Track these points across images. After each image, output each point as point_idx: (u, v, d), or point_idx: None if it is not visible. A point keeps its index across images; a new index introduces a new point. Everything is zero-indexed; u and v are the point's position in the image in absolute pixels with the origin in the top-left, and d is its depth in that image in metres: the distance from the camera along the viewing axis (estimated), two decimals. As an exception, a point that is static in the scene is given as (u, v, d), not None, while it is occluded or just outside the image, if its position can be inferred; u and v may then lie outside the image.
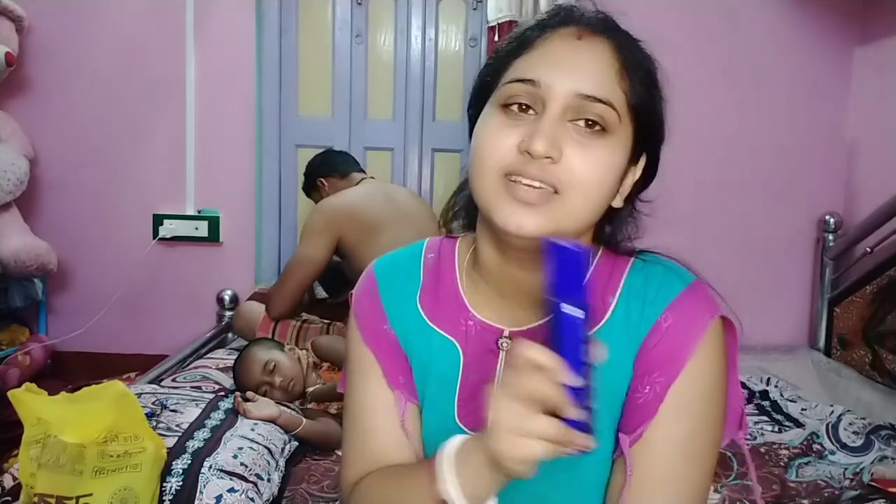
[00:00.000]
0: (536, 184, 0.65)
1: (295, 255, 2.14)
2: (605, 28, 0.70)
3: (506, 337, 0.74)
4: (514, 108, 0.67)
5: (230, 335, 2.41)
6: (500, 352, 0.74)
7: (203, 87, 2.55)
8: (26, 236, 2.35)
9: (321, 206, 2.17)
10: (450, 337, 0.76)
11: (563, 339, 0.56)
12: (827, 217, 2.54)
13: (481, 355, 0.75)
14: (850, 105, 2.60)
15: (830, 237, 2.53)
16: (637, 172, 0.73)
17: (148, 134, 2.57)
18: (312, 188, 2.37)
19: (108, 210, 2.58)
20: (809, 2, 2.56)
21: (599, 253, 0.76)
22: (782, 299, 2.66)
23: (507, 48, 0.71)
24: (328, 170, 2.33)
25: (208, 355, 2.14)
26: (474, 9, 2.66)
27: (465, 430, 0.74)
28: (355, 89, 2.67)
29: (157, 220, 2.56)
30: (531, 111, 0.67)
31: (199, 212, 2.59)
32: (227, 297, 2.50)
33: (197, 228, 2.57)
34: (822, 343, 2.54)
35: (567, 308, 0.55)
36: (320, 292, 2.48)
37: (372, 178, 2.34)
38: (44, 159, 2.54)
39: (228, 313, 2.48)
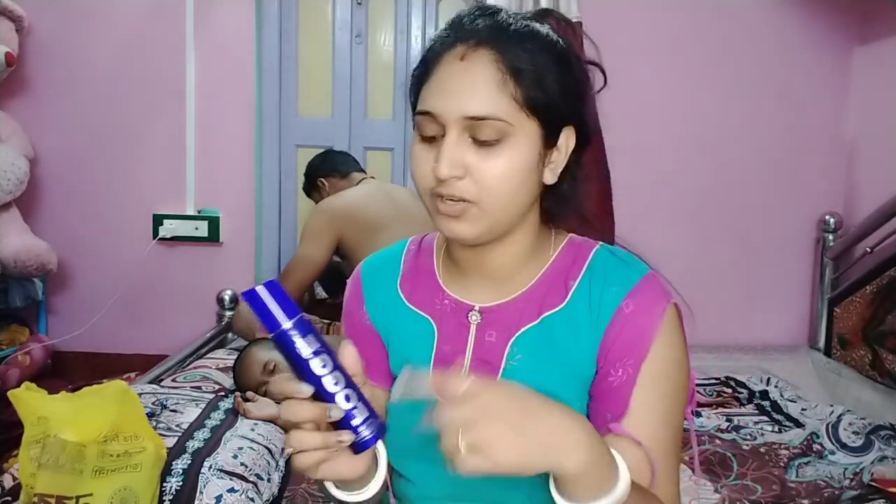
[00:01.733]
0: (454, 200, 0.73)
1: (295, 256, 2.14)
2: (487, 39, 0.73)
3: (476, 311, 0.82)
4: (425, 133, 0.75)
5: (230, 335, 2.41)
6: (471, 325, 0.82)
7: (203, 87, 2.55)
8: (26, 236, 2.35)
9: (321, 206, 2.17)
10: (426, 315, 0.85)
11: (296, 360, 0.61)
12: (827, 217, 2.54)
13: (454, 329, 0.83)
14: (850, 105, 2.61)
15: (830, 237, 2.53)
16: (570, 143, 0.78)
17: (148, 134, 2.57)
18: (313, 188, 2.37)
19: (108, 210, 2.58)
20: (809, 2, 2.56)
21: (564, 242, 0.84)
22: (782, 299, 2.66)
23: (417, 74, 0.78)
24: (328, 170, 2.33)
25: (208, 355, 2.14)
26: (474, 9, 2.66)
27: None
28: (355, 89, 2.67)
29: (157, 220, 2.55)
30: (439, 133, 0.74)
31: (199, 212, 2.59)
32: (227, 297, 2.49)
33: (197, 228, 2.57)
34: (822, 343, 2.54)
35: (286, 328, 0.61)
36: (320, 292, 2.48)
37: (372, 178, 2.34)
38: (44, 159, 2.54)
39: (228, 313, 2.48)
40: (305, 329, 0.62)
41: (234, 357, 1.87)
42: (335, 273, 2.31)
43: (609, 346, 0.76)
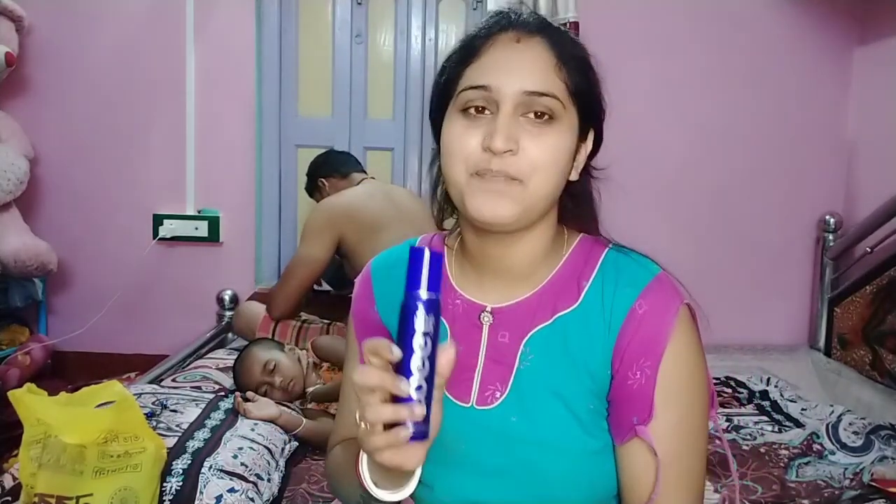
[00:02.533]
0: (502, 178, 0.73)
1: (296, 255, 2.14)
2: (539, 28, 0.78)
3: (488, 311, 0.82)
4: (472, 110, 0.76)
5: (230, 335, 2.41)
6: (483, 325, 0.82)
7: (203, 87, 2.55)
8: (26, 236, 2.35)
9: (321, 205, 2.18)
10: None
11: (406, 327, 0.62)
12: (827, 217, 2.54)
13: (466, 330, 0.82)
14: (850, 105, 2.60)
15: (830, 237, 2.53)
16: (588, 146, 0.82)
17: (148, 134, 2.57)
18: (314, 188, 2.37)
19: (108, 210, 2.58)
20: (809, 2, 2.56)
21: (576, 241, 0.84)
22: (782, 299, 2.66)
23: (458, 57, 0.79)
24: (329, 170, 2.33)
25: (208, 355, 2.14)
26: (474, 9, 2.66)
27: (451, 398, 0.81)
28: (355, 89, 2.67)
29: (157, 220, 2.56)
30: (487, 111, 0.75)
31: (199, 212, 2.59)
32: (227, 297, 2.50)
33: (197, 228, 2.57)
34: (822, 343, 2.54)
35: (421, 296, 0.62)
36: (324, 285, 2.47)
37: (372, 178, 2.34)
38: (44, 159, 2.54)
39: (228, 313, 2.48)
40: (434, 309, 0.63)
41: (234, 357, 1.87)
42: (340, 266, 2.31)
43: (624, 348, 0.76)
